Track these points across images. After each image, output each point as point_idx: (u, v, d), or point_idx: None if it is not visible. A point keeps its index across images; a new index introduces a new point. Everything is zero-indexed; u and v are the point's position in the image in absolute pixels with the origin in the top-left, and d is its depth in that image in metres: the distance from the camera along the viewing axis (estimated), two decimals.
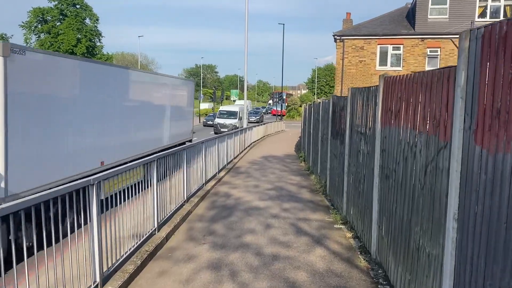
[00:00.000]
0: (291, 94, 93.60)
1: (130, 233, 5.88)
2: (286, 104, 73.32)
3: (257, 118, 51.30)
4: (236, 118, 36.93)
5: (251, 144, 25.35)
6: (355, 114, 7.18)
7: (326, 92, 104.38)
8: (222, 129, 33.00)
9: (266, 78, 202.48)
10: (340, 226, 7.53)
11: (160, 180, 7.18)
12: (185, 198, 8.99)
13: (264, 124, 35.35)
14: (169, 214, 7.68)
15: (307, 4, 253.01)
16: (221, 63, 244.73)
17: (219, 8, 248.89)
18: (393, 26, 26.75)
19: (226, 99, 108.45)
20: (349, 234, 6.95)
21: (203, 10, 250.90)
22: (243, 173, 14.44)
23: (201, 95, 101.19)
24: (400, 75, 4.71)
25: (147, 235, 6.46)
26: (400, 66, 25.44)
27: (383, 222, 5.25)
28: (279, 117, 60.52)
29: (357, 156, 6.92)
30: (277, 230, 7.43)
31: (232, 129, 22.22)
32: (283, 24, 62.30)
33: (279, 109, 69.94)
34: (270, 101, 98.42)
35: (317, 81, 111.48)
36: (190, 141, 16.64)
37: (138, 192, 6.21)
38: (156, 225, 6.84)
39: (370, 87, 6.14)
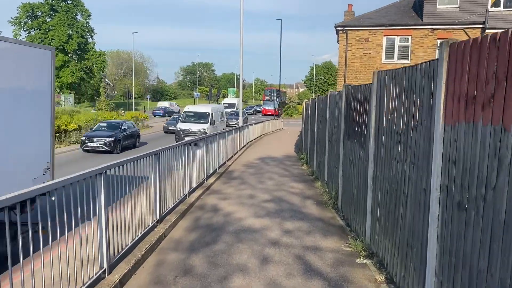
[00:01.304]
0: (284, 92, 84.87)
1: (60, 285, 3.86)
2: (278, 103, 65.49)
3: (238, 122, 36.67)
4: (207, 123, 25.92)
5: (247, 144, 23.36)
6: (386, 107, 5.16)
7: (324, 90, 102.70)
8: (186, 138, 20.66)
9: (263, 77, 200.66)
10: (365, 260, 5.50)
11: (115, 201, 5.14)
12: (158, 218, 6.95)
13: (261, 122, 33.30)
14: (129, 245, 5.64)
15: (305, 2, 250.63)
16: (218, 62, 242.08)
17: (216, 6, 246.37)
18: (399, 17, 24.76)
19: (223, 97, 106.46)
20: (380, 277, 4.93)
21: (201, 8, 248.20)
22: (236, 178, 12.41)
23: (197, 94, 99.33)
24: (497, 33, 2.69)
25: (88, 283, 4.43)
26: (408, 59, 23.45)
27: (453, 279, 3.23)
28: (276, 116, 54.17)
29: (390, 165, 4.91)
30: (278, 267, 5.40)
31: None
32: (281, 20, 60.34)
33: (270, 107, 62.31)
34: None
35: (315, 79, 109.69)
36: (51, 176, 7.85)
37: (76, 225, 4.18)
38: (105, 265, 4.81)
39: (418, 64, 4.13)
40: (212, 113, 26.93)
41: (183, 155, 8.90)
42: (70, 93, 67.12)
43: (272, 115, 54.57)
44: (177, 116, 33.10)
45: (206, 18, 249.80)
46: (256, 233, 6.86)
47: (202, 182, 10.97)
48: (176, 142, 20.37)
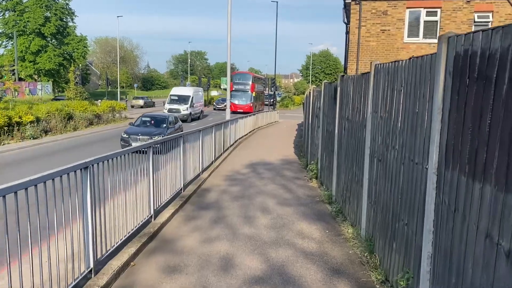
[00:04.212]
0: (262, 78, 56.97)
1: None
2: (254, 95, 46.31)
3: (159, 136, 14.68)
4: None
5: (235, 142, 18.67)
6: None
7: (321, 80, 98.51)
8: None
9: (258, 66, 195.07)
10: None
11: None
12: None
13: (254, 114, 28.56)
14: None
15: None
16: (212, 51, 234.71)
17: None
18: None
19: (214, 87, 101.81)
20: None
21: None
22: (209, 209, 7.74)
23: (189, 83, 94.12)
24: None
25: None
26: (436, 37, 18.77)
27: None
28: (270, 110, 40.39)
29: None
30: None
31: None
32: (277, 2, 55.34)
33: (242, 102, 44.52)
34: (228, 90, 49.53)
35: (311, 68, 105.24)
36: None
37: None
38: None
39: None
40: None
41: (86, 182, 4.23)
42: (48, 80, 61.84)
43: (245, 112, 34.08)
44: None
45: (200, 7, 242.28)
46: None
47: (146, 224, 6.30)
48: None
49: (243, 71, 57.13)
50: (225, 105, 45.71)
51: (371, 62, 5.52)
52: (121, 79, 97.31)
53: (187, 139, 9.17)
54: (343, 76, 7.46)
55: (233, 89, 45.30)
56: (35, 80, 60.25)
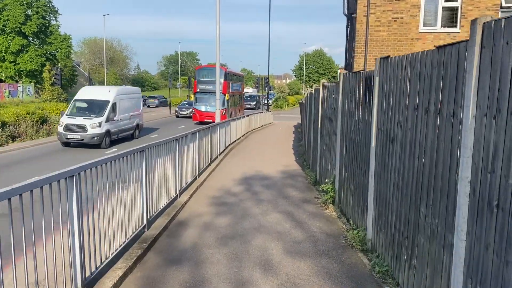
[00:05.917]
0: (240, 75, 44.64)
1: None
2: (227, 98, 31.31)
3: None
4: None
5: (226, 148, 15.97)
6: None
7: (314, 80, 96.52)
8: None
9: (250, 67, 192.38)
10: None
11: None
12: None
13: (247, 116, 25.88)
14: None
15: None
16: (203, 52, 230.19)
17: None
18: None
19: None
20: None
21: None
22: (183, 262, 5.05)
23: (179, 84, 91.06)
24: None
25: None
26: (457, 25, 16.25)
27: None
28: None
29: None
30: None
31: None
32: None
33: (210, 108, 29.67)
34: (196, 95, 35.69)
35: (305, 68, 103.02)
36: None
37: None
38: None
39: None
40: None
41: None
42: (30, 82, 58.63)
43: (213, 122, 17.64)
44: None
45: (192, 7, 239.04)
46: None
47: None
48: None
49: (211, 64, 36.23)
50: (192, 112, 35.15)
51: (474, 20, 2.88)
52: (109, 80, 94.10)
53: (153, 153, 6.46)
54: (386, 58, 4.80)
55: (198, 90, 32.83)
56: (16, 81, 57.18)
